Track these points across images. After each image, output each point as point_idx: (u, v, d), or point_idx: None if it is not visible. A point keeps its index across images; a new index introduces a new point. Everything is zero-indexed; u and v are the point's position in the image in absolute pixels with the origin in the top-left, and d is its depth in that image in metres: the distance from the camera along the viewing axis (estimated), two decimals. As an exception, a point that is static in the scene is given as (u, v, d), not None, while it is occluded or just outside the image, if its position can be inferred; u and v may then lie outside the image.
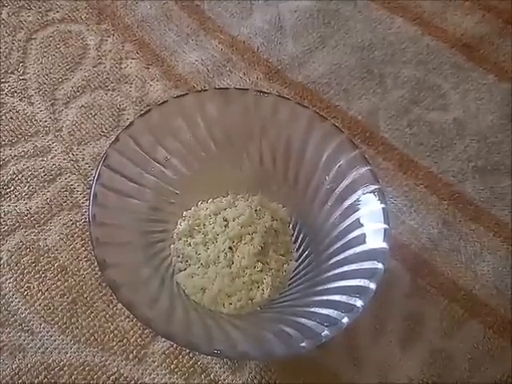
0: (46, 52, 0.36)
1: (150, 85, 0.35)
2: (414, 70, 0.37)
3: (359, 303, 0.21)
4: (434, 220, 0.31)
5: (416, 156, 0.33)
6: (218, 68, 0.36)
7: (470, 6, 0.41)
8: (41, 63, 0.36)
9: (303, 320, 0.22)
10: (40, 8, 0.38)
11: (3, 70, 0.35)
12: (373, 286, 0.21)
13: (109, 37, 0.37)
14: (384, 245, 0.22)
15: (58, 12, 0.38)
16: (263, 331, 0.22)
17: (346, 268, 0.23)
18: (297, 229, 0.27)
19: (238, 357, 0.21)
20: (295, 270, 0.26)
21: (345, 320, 0.20)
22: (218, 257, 0.26)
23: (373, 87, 0.36)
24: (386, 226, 0.23)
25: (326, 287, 0.23)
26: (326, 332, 0.20)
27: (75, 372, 0.25)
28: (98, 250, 0.22)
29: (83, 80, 0.35)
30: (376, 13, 0.40)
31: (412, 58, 0.37)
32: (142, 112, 0.27)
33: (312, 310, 0.22)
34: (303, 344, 0.20)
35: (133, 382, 0.25)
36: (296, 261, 0.27)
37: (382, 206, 0.23)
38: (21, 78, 0.35)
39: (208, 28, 0.38)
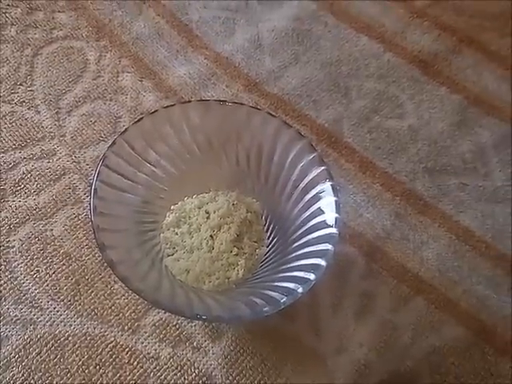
0: (50, 66, 0.39)
1: (144, 96, 0.39)
2: (376, 83, 0.41)
3: (312, 277, 0.25)
4: (388, 213, 0.35)
5: (374, 158, 0.37)
6: (203, 81, 0.40)
7: (429, 26, 0.46)
8: (46, 76, 0.39)
9: (269, 292, 0.26)
10: (45, 26, 0.41)
11: (13, 82, 0.38)
12: (324, 263, 0.25)
13: (107, 52, 0.40)
14: (335, 230, 0.26)
15: (61, 30, 0.41)
16: (236, 302, 0.27)
17: (305, 250, 0.27)
18: (268, 219, 0.31)
19: (213, 320, 0.25)
20: (266, 254, 0.30)
21: (300, 290, 0.25)
22: (201, 243, 0.30)
23: (338, 98, 0.40)
24: (337, 215, 0.27)
25: (288, 266, 0.27)
26: (284, 300, 0.24)
27: (78, 341, 0.29)
28: (99, 235, 0.26)
29: (84, 91, 0.38)
30: (344, 32, 0.44)
31: (374, 72, 0.42)
32: (136, 120, 0.31)
33: (276, 284, 0.26)
34: (266, 309, 0.24)
35: (127, 349, 0.29)
36: (267, 246, 0.31)
37: (335, 199, 0.27)
38: (29, 89, 0.38)
39: (195, 45, 0.42)
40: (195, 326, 0.30)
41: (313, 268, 0.26)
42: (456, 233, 0.34)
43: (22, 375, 0.28)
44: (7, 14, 0.42)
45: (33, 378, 0.28)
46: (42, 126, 0.36)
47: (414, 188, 0.36)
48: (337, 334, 0.30)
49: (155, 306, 0.26)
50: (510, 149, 0.39)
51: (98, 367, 0.28)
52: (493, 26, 0.46)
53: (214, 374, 0.28)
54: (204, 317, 0.24)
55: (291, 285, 0.25)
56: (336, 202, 0.27)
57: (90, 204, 0.27)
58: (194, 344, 0.29)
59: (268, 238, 0.31)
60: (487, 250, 0.34)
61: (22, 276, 0.31)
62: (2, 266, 0.31)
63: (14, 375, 0.28)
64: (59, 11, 0.42)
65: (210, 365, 0.29)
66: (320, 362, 0.29)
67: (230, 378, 0.28)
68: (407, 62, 0.43)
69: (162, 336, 0.29)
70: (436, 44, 0.44)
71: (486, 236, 0.35)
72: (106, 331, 0.29)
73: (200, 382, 0.28)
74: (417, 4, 0.47)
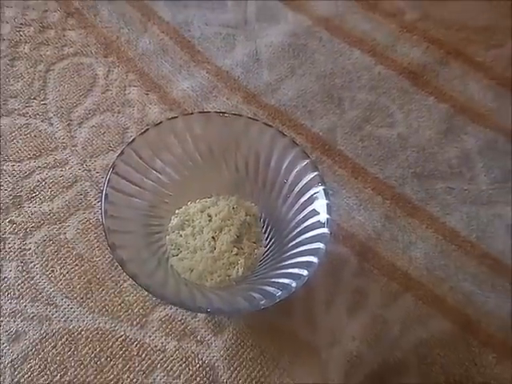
0: (62, 81, 0.42)
1: (149, 108, 0.41)
2: (367, 94, 0.43)
3: (305, 273, 0.27)
4: (379, 215, 0.37)
5: (366, 164, 0.39)
6: (205, 93, 0.42)
7: (417, 39, 0.48)
8: (58, 90, 0.41)
9: (266, 287, 0.28)
10: (56, 44, 0.44)
11: (27, 97, 0.40)
12: (316, 260, 0.28)
13: (115, 68, 0.43)
14: (326, 230, 0.29)
15: (71, 47, 0.44)
16: (236, 297, 0.29)
17: (299, 249, 0.29)
18: (266, 221, 0.34)
19: (214, 312, 0.27)
20: (264, 253, 0.32)
21: (294, 285, 0.27)
22: (204, 244, 0.32)
23: (332, 109, 0.42)
24: (328, 216, 0.29)
25: (284, 264, 0.29)
26: (279, 294, 0.27)
27: (91, 335, 0.31)
28: (109, 236, 0.28)
29: (94, 104, 0.41)
30: (338, 46, 0.46)
31: (366, 84, 0.44)
32: (142, 131, 0.33)
33: (273, 280, 0.29)
34: (262, 302, 0.26)
35: (136, 342, 0.31)
36: (265, 247, 0.33)
37: (327, 201, 0.30)
38: (42, 102, 0.40)
39: (197, 60, 0.44)
40: (199, 321, 0.32)
41: (306, 265, 0.28)
42: (443, 233, 0.37)
43: (39, 367, 0.30)
44: (21, 33, 0.44)
45: (49, 370, 0.30)
46: (55, 137, 0.39)
47: (403, 192, 0.38)
48: (330, 328, 0.32)
49: (161, 300, 0.28)
50: (494, 154, 0.41)
51: (108, 359, 0.30)
52: (479, 38, 0.48)
53: (216, 364, 0.31)
54: (206, 309, 0.26)
55: (286, 280, 0.28)
56: (327, 204, 0.30)
57: (101, 208, 0.29)
58: (198, 337, 0.31)
59: (266, 239, 0.33)
60: (472, 249, 0.36)
61: (38, 276, 0.33)
62: (20, 267, 0.33)
63: (31, 367, 0.30)
64: (69, 29, 0.45)
65: (213, 356, 0.31)
66: (315, 353, 0.31)
67: (232, 368, 0.30)
68: (397, 73, 0.45)
69: (168, 330, 0.31)
70: (425, 56, 0.46)
71: (471, 236, 0.37)
72: (116, 326, 0.31)
73: (203, 372, 0.30)
74: (407, 19, 0.50)
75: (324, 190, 0.30)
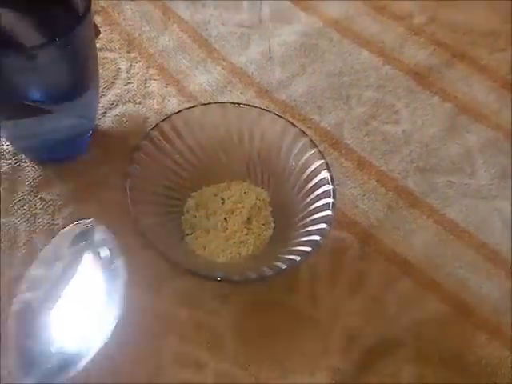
0: None
1: (168, 100, 0.43)
2: (375, 92, 0.45)
3: (309, 249, 0.30)
4: (381, 205, 0.39)
5: (371, 158, 0.41)
6: (220, 88, 0.44)
7: (424, 42, 0.50)
8: None
9: (273, 262, 0.31)
10: None
11: None
12: (319, 239, 0.30)
13: (136, 63, 0.45)
14: (330, 213, 0.31)
15: (97, 43, 0.44)
16: (244, 269, 0.31)
17: (305, 229, 0.32)
18: (274, 205, 0.36)
19: (224, 279, 0.29)
20: (272, 234, 0.35)
21: (298, 259, 0.29)
22: (216, 225, 0.34)
23: (340, 105, 0.44)
24: (333, 200, 0.31)
25: (290, 242, 0.32)
26: (284, 267, 0.29)
27: None
28: (133, 208, 0.30)
29: (117, 96, 0.43)
30: (347, 46, 0.48)
31: (373, 82, 0.46)
32: (163, 118, 0.35)
33: (279, 255, 0.31)
34: (269, 272, 0.29)
35: (152, 310, 0.33)
36: (273, 229, 0.35)
37: (332, 187, 0.32)
38: None
39: (214, 57, 0.46)
40: (209, 293, 0.34)
41: (310, 243, 0.30)
42: (442, 224, 0.38)
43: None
44: (51, 29, 0.48)
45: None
46: (81, 125, 0.42)
47: (405, 184, 0.40)
48: (332, 305, 0.34)
49: (176, 266, 0.30)
50: (494, 152, 0.43)
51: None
52: (484, 42, 0.50)
53: (224, 333, 0.33)
54: (217, 277, 0.29)
55: (292, 256, 0.30)
56: (332, 189, 0.32)
57: (126, 183, 0.31)
58: (208, 307, 0.33)
59: (274, 222, 0.36)
60: (470, 240, 0.38)
61: (64, 250, 0.36)
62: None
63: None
64: (96, 26, 0.48)
65: (222, 326, 0.33)
66: (316, 329, 0.33)
67: (238, 337, 0.33)
68: (404, 74, 0.47)
69: (181, 300, 0.33)
70: (431, 58, 0.48)
71: (469, 227, 0.38)
72: (134, 294, 0.33)
73: (212, 339, 0.32)
74: (415, 22, 0.52)
75: (330, 176, 0.33)
